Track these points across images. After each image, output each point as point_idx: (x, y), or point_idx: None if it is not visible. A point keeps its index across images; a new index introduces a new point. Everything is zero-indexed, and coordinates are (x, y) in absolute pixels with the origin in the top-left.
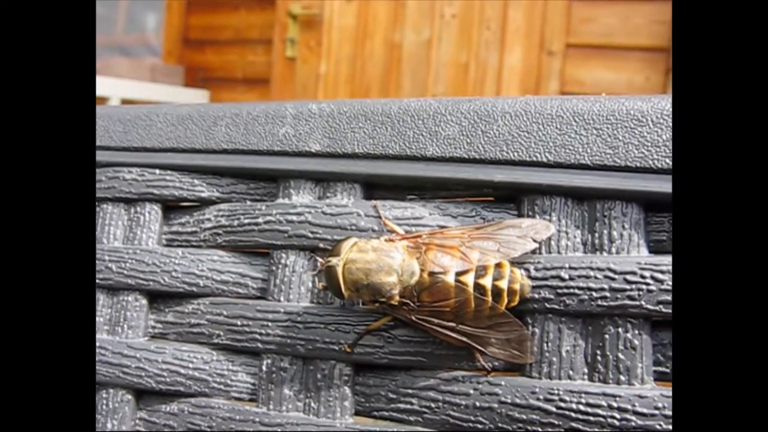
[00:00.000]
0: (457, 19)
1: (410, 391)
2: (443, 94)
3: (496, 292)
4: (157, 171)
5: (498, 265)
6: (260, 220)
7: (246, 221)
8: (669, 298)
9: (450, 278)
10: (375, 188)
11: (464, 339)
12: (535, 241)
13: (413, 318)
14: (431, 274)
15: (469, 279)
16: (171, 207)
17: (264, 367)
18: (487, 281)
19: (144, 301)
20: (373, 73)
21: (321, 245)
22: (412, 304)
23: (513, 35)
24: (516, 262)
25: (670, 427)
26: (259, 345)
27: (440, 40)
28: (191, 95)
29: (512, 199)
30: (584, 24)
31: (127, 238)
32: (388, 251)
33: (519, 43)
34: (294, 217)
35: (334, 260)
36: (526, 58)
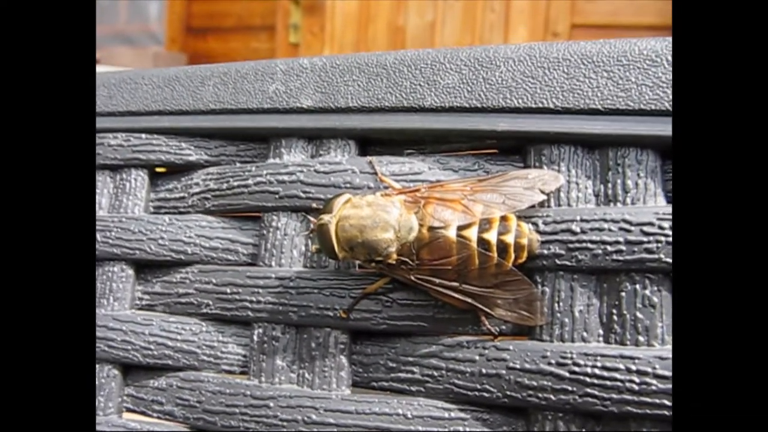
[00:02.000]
0: (460, 2)
1: (411, 359)
2: None
3: (502, 248)
4: (143, 135)
5: (503, 219)
6: (250, 181)
7: (235, 184)
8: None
9: (451, 233)
10: (370, 144)
11: (468, 300)
12: (543, 192)
13: (413, 278)
14: (431, 229)
15: (472, 233)
16: (158, 173)
17: (255, 337)
18: (491, 235)
19: (130, 272)
20: None
21: (314, 206)
22: (411, 263)
23: (517, 17)
24: (523, 216)
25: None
26: (250, 314)
27: (444, 23)
28: None
29: (517, 150)
30: (589, 3)
31: (112, 207)
32: (384, 206)
33: (523, 25)
34: (285, 177)
35: (326, 217)
36: (530, 39)
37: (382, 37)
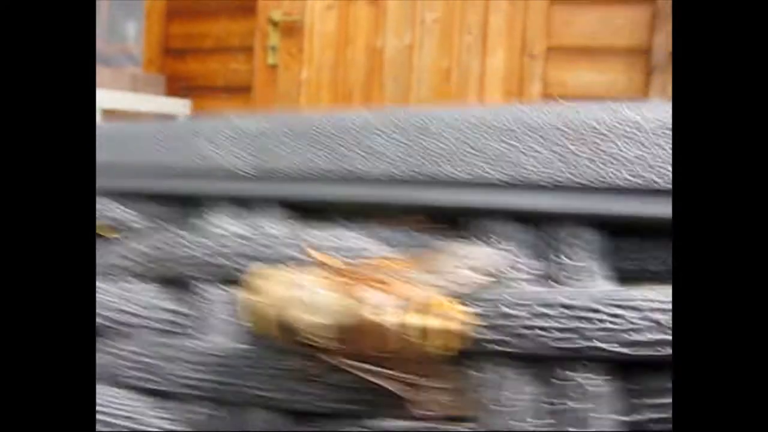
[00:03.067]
0: (438, 24)
1: None
2: (426, 99)
3: (434, 334)
4: None
5: (434, 302)
6: (180, 251)
7: (169, 251)
8: (633, 337)
9: (383, 318)
10: (308, 213)
11: (393, 386)
12: (476, 271)
13: (336, 362)
14: (359, 312)
15: (402, 318)
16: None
17: (192, 416)
18: (423, 320)
19: None
20: (355, 79)
21: (246, 278)
22: (331, 347)
23: (494, 39)
24: (458, 298)
25: None
26: (188, 391)
27: (422, 46)
28: (173, 104)
29: (456, 224)
30: (565, 26)
31: None
32: (309, 286)
33: (501, 47)
34: (219, 248)
35: (247, 295)
36: (508, 61)
37: (360, 58)
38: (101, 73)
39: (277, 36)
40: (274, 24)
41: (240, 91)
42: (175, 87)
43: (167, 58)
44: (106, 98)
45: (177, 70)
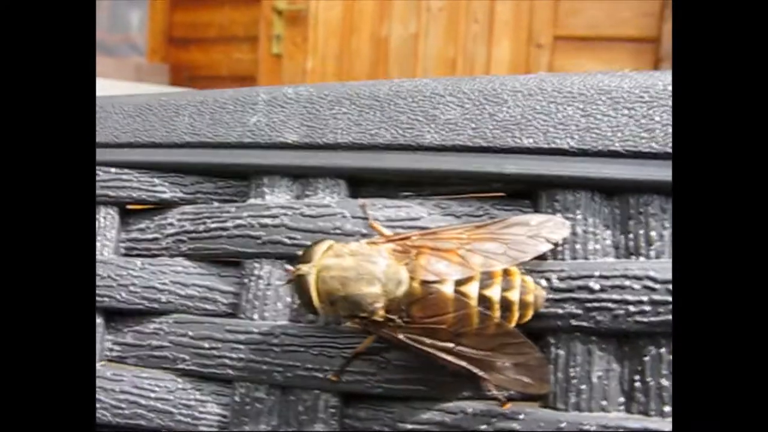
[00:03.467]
0: (444, 13)
1: (410, 426)
2: None
3: (505, 305)
4: (113, 169)
5: (506, 272)
6: (229, 224)
7: (213, 226)
8: None
9: (448, 288)
10: (362, 184)
11: (463, 363)
12: (549, 241)
13: (401, 337)
14: (424, 283)
15: (471, 290)
16: (129, 211)
17: (237, 398)
18: (494, 292)
19: (100, 320)
20: (360, 68)
21: (299, 253)
22: (399, 321)
23: (501, 28)
24: (532, 270)
25: None
26: (230, 371)
27: (427, 34)
28: None
29: (527, 194)
30: (571, 16)
31: None
32: (369, 256)
33: (507, 36)
34: (268, 221)
35: (304, 267)
36: (514, 50)
37: (365, 47)
38: (104, 63)
39: (282, 25)
40: (279, 13)
41: (244, 80)
42: (179, 77)
43: (171, 47)
44: (110, 88)
45: (181, 60)
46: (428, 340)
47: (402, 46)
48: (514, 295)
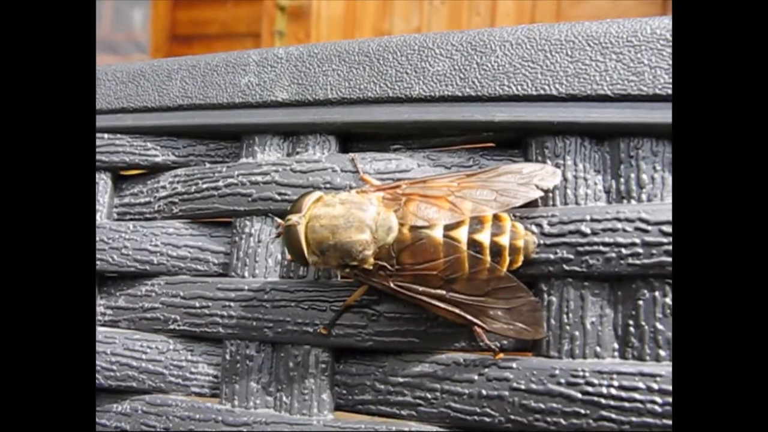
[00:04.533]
0: (446, 6)
1: (401, 379)
2: None
3: (496, 251)
4: (106, 135)
5: (496, 218)
6: (221, 183)
7: (205, 186)
8: None
9: (437, 233)
10: (353, 139)
11: (456, 310)
12: (540, 189)
13: (392, 285)
14: (413, 228)
15: (461, 234)
16: (122, 176)
17: (227, 356)
18: (484, 237)
19: None
20: None
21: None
22: (390, 268)
23: (503, 20)
24: (524, 216)
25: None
26: (221, 330)
27: (430, 28)
28: None
29: (517, 142)
30: (574, 7)
31: None
32: (359, 204)
33: None
34: (259, 178)
35: (294, 218)
36: None
37: None
38: (108, 61)
39: (285, 21)
40: (281, 9)
41: None
42: None
43: (174, 44)
44: None
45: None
46: (420, 288)
47: None
48: (504, 240)
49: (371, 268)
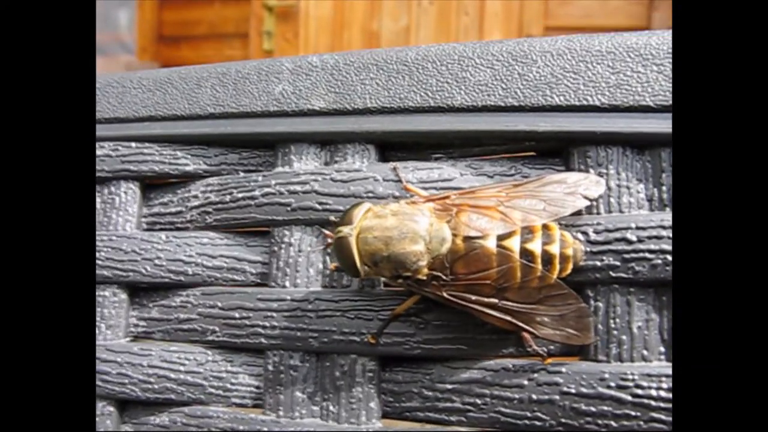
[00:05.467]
0: (434, 6)
1: (449, 385)
2: None
3: (546, 259)
4: (133, 144)
5: (545, 227)
6: (257, 192)
7: (240, 196)
8: None
9: (490, 243)
10: (392, 149)
11: (508, 318)
12: (586, 198)
13: (445, 295)
14: (466, 239)
15: (514, 243)
16: (151, 185)
17: (270, 366)
18: (535, 246)
19: (124, 296)
20: None
21: (331, 218)
22: (444, 278)
23: (491, 20)
24: (570, 225)
25: None
26: (263, 340)
27: (418, 28)
28: None
29: (559, 152)
30: (562, 6)
31: (101, 224)
32: (411, 215)
33: (497, 28)
34: (297, 187)
35: (345, 230)
36: None
37: (357, 42)
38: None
39: (273, 21)
40: (269, 9)
41: None
42: None
43: (161, 45)
44: None
45: (171, 58)
46: (473, 297)
47: (393, 40)
48: (554, 249)
49: (425, 278)
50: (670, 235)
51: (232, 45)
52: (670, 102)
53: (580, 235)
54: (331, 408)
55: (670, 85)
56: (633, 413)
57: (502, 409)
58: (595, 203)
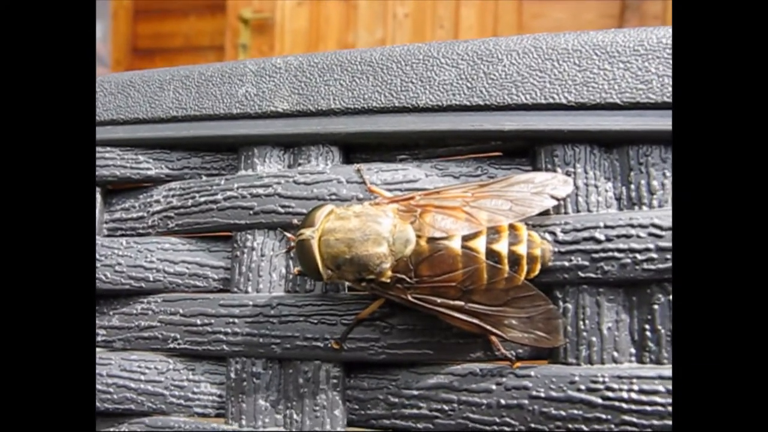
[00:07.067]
0: (409, 19)
1: (416, 392)
2: None
3: (514, 260)
4: (95, 148)
5: (512, 228)
6: (219, 196)
7: (202, 200)
8: None
9: (455, 244)
10: (356, 150)
11: (475, 321)
12: (553, 197)
13: (410, 298)
14: (431, 240)
15: (479, 244)
16: (112, 190)
17: (232, 374)
18: (502, 246)
19: None
20: None
21: (295, 221)
22: (408, 280)
23: (466, 33)
24: (537, 225)
25: None
26: (225, 347)
27: (394, 40)
28: None
29: (525, 151)
30: (535, 20)
31: None
32: (374, 216)
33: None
34: (260, 190)
35: (307, 232)
36: None
37: None
38: None
39: (248, 34)
40: (245, 22)
41: None
42: None
43: (135, 58)
44: None
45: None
46: (438, 300)
47: None
48: (521, 249)
49: (389, 281)
50: (639, 234)
51: (208, 58)
52: (637, 99)
53: (548, 236)
54: (294, 416)
55: (637, 81)
56: (604, 416)
57: (470, 415)
58: (563, 203)
